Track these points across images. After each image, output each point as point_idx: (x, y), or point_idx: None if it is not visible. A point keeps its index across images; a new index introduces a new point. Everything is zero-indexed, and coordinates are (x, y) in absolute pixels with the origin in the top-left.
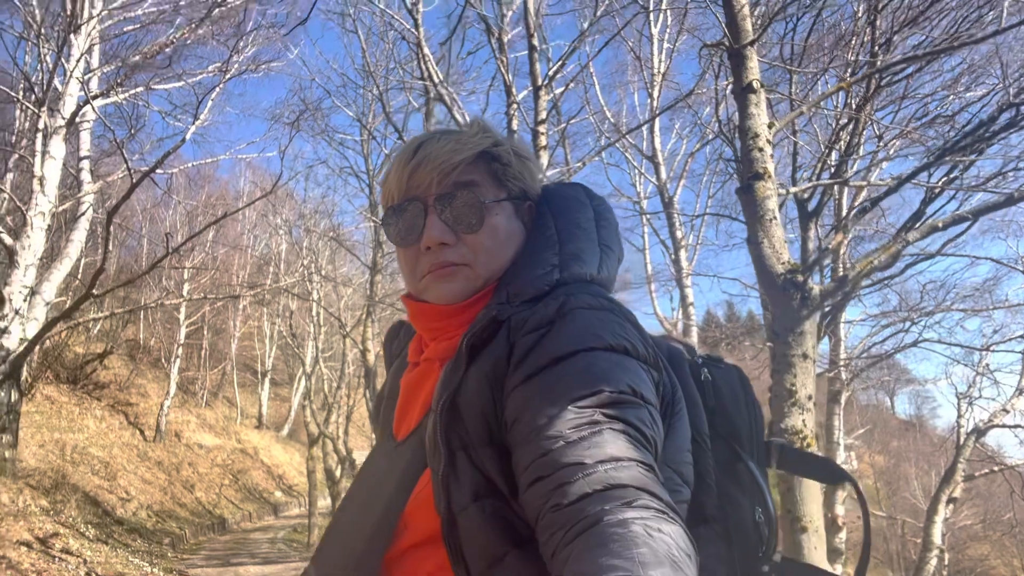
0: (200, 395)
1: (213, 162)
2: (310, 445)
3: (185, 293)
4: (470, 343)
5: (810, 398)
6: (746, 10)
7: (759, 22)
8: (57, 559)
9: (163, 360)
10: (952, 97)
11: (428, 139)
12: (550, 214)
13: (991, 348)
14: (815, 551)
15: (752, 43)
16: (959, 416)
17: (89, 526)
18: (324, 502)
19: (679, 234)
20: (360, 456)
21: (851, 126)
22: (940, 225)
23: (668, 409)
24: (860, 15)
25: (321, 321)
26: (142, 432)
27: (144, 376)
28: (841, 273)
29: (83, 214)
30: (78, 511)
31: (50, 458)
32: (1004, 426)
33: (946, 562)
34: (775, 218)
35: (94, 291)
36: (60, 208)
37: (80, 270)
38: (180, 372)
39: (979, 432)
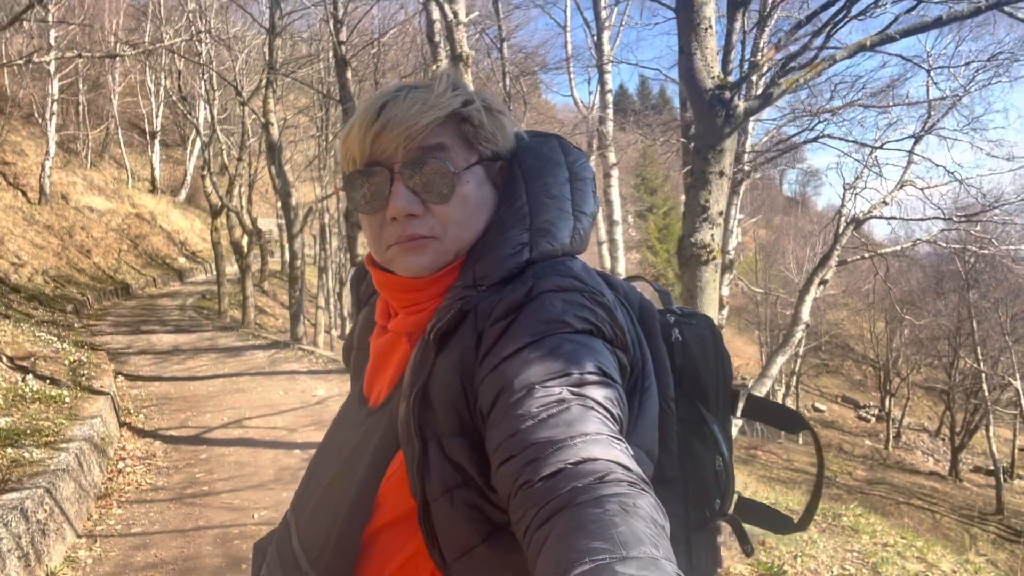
0: (84, 154)
1: None
2: (213, 216)
3: (52, 41)
4: (438, 334)
5: (720, 214)
6: None
7: None
8: None
9: (36, 115)
10: None
11: (393, 98)
12: (521, 178)
13: (883, 145)
14: None
15: None
16: (842, 206)
17: None
18: (232, 268)
19: (603, 14)
20: (265, 224)
21: None
22: (868, 44)
23: (638, 385)
24: None
25: (215, 84)
26: (25, 194)
27: (17, 133)
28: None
29: None
30: None
31: None
32: (881, 217)
33: (805, 330)
34: (711, 27)
35: None
36: None
37: None
38: (59, 130)
39: (858, 221)
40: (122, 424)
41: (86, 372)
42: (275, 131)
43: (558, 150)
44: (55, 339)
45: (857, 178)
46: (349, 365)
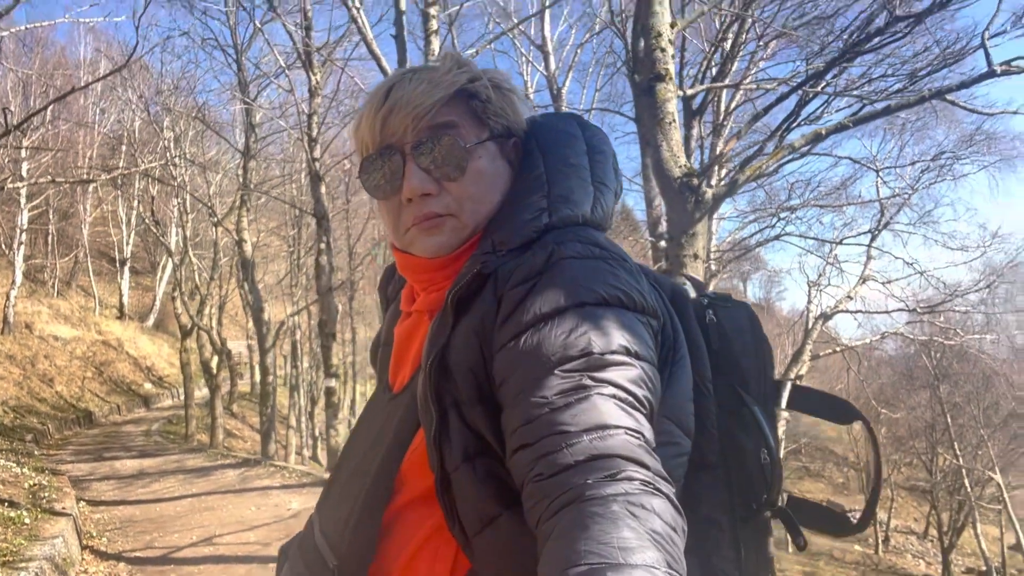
0: (51, 284)
1: (49, 26)
2: (183, 337)
3: (24, 173)
4: (456, 298)
5: None
6: None
7: None
8: None
9: (3, 246)
10: None
11: (399, 81)
12: (538, 151)
13: (842, 241)
14: None
15: None
16: (809, 302)
17: None
18: (200, 392)
19: None
20: (235, 346)
21: (736, 25)
22: (823, 133)
23: (669, 356)
24: None
25: (188, 208)
26: None
27: None
28: (724, 173)
29: None
30: None
31: None
32: (847, 311)
33: (785, 428)
34: (674, 121)
35: None
36: None
37: None
38: (26, 260)
39: (826, 316)
40: (84, 547)
41: (46, 495)
42: (248, 248)
43: (575, 126)
44: (13, 464)
45: (820, 275)
46: (376, 365)
